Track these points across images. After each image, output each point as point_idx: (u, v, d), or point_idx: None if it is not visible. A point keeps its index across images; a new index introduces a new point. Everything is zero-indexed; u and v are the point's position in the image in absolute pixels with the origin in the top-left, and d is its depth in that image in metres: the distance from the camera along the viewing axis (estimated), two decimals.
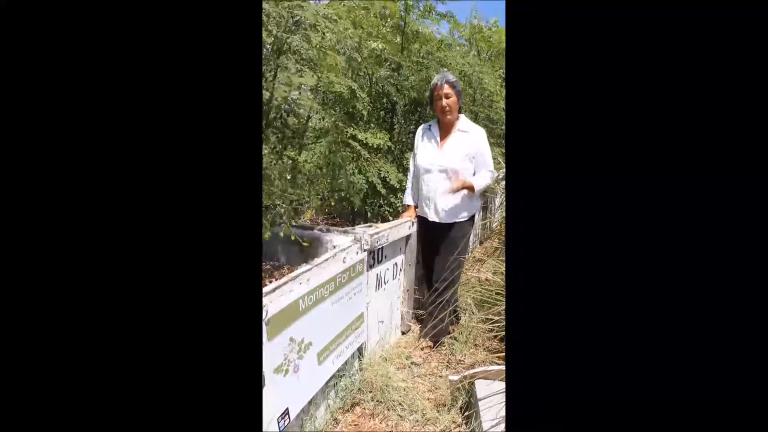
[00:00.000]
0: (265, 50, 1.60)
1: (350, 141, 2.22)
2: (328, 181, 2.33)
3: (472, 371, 1.69)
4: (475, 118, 3.23)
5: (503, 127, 3.52)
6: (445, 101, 2.07)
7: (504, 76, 3.54)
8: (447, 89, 2.07)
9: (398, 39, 2.77)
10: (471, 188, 2.08)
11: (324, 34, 1.73)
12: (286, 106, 1.77)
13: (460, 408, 1.71)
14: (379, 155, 2.55)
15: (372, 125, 2.65)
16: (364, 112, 2.50)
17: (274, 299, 1.21)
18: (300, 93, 1.76)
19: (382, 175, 2.41)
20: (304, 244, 1.80)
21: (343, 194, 2.48)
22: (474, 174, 2.14)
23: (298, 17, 1.61)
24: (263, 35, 1.48)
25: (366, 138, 2.34)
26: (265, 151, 1.73)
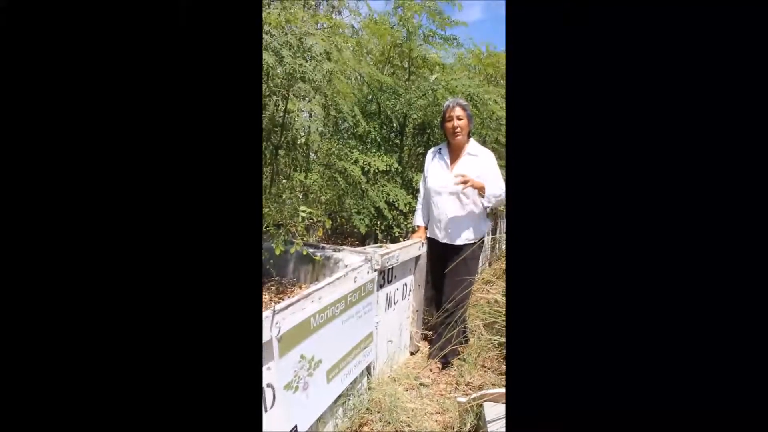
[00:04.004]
0: (276, 76, 1.67)
1: (349, 166, 2.25)
2: (336, 202, 2.38)
3: (480, 393, 1.68)
4: (483, 142, 3.28)
5: None
6: (456, 122, 2.12)
7: None
8: (458, 111, 2.12)
9: (405, 64, 2.85)
10: (481, 188, 2.07)
11: (334, 61, 1.80)
12: (297, 130, 1.84)
13: (469, 431, 1.69)
14: (387, 177, 2.59)
15: (381, 148, 2.71)
16: (372, 136, 2.56)
17: (287, 316, 1.24)
18: (310, 117, 1.83)
19: (390, 199, 2.44)
20: (315, 258, 1.83)
21: (346, 215, 2.52)
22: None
23: (309, 45, 1.68)
24: (274, 61, 1.55)
25: (370, 162, 2.39)
26: (269, 171, 1.79)
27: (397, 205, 2.46)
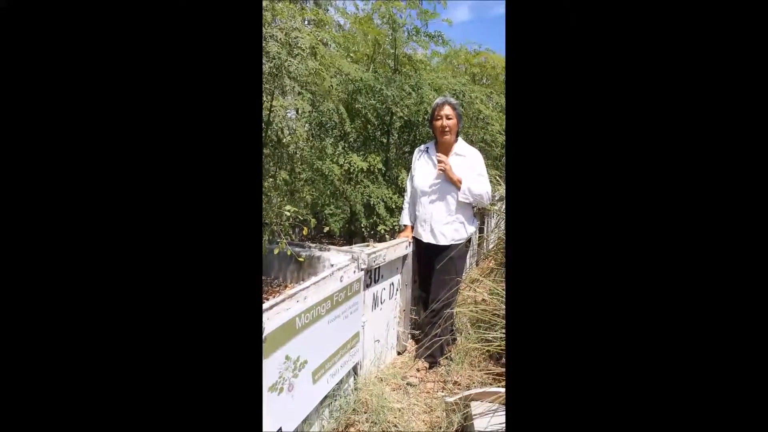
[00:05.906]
0: (263, 73, 1.65)
1: (330, 166, 2.23)
2: (321, 201, 2.36)
3: (467, 392, 1.68)
4: (471, 142, 3.28)
5: (498, 149, 3.57)
6: (445, 121, 2.10)
7: (498, 100, 3.61)
8: (448, 110, 2.11)
9: (390, 62, 2.83)
10: (458, 181, 2.08)
11: (321, 57, 1.78)
12: (281, 128, 1.82)
13: (456, 430, 1.69)
14: (371, 177, 2.58)
15: (366, 147, 2.69)
16: (354, 135, 2.54)
17: (272, 317, 1.21)
18: (297, 115, 1.80)
19: (372, 202, 2.41)
20: (299, 259, 1.81)
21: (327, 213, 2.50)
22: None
23: (296, 40, 1.66)
24: (262, 58, 1.53)
25: (352, 161, 2.37)
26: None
27: (377, 209, 2.44)
